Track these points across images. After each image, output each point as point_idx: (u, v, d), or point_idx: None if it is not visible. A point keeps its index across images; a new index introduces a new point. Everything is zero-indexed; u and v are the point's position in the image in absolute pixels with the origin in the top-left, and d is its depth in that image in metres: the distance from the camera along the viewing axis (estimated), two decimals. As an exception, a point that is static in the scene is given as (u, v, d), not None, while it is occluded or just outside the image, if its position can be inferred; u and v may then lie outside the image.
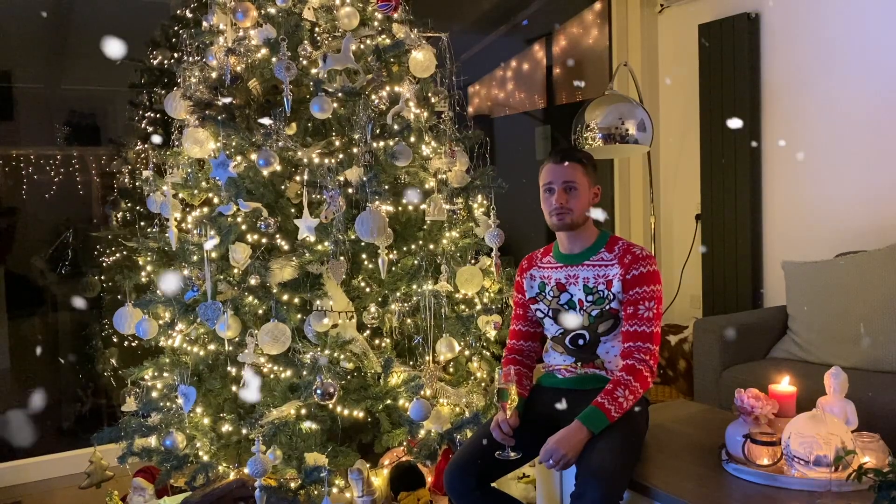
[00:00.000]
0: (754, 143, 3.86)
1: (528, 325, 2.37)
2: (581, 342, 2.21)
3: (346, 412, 2.56)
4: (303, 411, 2.50)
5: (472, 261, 2.84)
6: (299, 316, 2.54)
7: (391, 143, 2.63)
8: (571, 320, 2.21)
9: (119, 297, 2.89)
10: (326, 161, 2.57)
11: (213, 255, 2.56)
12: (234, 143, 2.64)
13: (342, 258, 2.51)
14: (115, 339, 3.40)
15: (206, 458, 2.58)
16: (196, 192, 2.78)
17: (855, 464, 1.77)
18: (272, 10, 2.75)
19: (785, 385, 2.12)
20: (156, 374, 2.74)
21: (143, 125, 3.70)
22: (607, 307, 2.16)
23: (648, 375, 2.08)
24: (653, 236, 4.25)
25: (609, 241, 2.22)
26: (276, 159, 2.51)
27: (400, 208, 2.76)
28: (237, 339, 2.55)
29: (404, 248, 2.78)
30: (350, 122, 2.67)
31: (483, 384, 2.86)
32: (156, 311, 2.74)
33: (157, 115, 3.63)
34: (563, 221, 2.16)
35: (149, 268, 2.83)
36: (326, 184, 2.49)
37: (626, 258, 2.15)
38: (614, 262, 2.16)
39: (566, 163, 2.16)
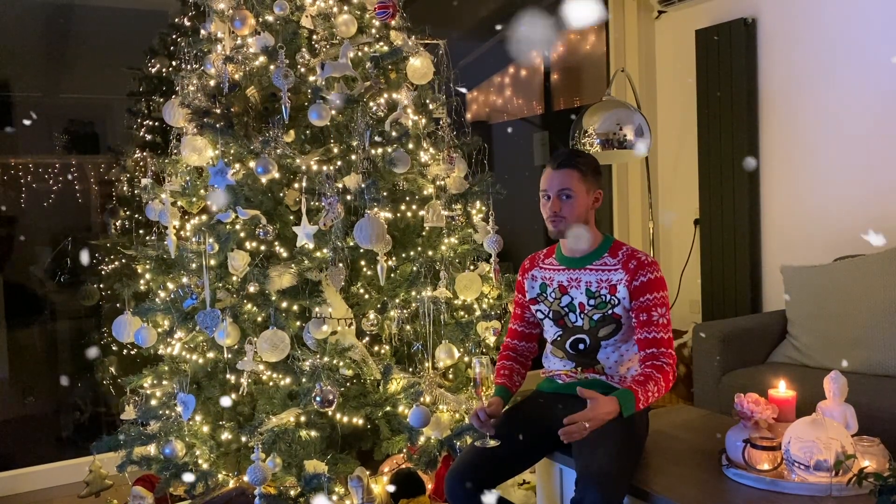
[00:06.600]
0: (752, 148, 3.86)
1: (527, 325, 2.38)
2: (581, 347, 2.21)
3: (345, 419, 2.56)
4: (302, 419, 2.49)
5: (471, 267, 2.84)
6: (298, 323, 2.54)
7: (389, 149, 2.63)
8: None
9: (118, 305, 2.88)
10: (325, 168, 2.58)
11: (212, 262, 2.56)
12: (232, 151, 2.64)
13: (341, 265, 2.51)
14: (114, 347, 3.39)
15: (205, 466, 2.57)
16: (195, 199, 2.78)
17: (855, 468, 1.77)
18: (270, 18, 2.76)
19: (784, 389, 2.12)
20: (155, 382, 2.74)
21: (141, 133, 3.70)
22: (609, 311, 2.16)
23: (672, 378, 2.10)
24: (651, 241, 4.25)
25: (613, 246, 2.22)
26: (274, 167, 2.51)
27: (398, 214, 2.77)
28: (236, 346, 2.55)
29: (403, 255, 2.78)
30: (348, 129, 2.67)
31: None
32: (155, 319, 2.73)
33: (156, 123, 3.63)
34: (557, 228, 2.18)
35: (147, 276, 2.83)
36: (325, 191, 2.49)
37: (631, 264, 2.15)
38: (618, 268, 2.16)
39: (563, 169, 2.16)
